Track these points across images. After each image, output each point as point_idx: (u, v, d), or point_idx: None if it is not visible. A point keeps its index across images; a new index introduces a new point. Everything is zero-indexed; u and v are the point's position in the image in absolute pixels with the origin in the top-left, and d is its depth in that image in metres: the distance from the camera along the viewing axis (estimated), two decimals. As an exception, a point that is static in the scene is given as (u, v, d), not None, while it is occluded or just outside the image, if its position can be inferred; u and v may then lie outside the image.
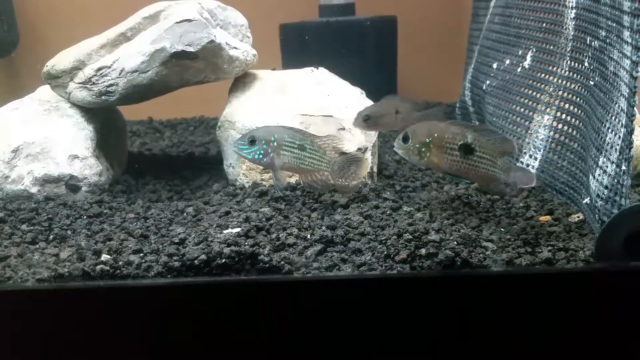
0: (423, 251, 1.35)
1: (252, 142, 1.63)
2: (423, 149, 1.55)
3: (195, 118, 3.01)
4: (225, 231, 1.47)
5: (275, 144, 1.62)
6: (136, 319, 1.27)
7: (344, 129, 1.89)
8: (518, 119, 1.97)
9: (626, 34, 1.32)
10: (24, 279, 1.32)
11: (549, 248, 1.40)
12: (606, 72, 1.49)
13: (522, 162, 1.88)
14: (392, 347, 1.30)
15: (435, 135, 1.53)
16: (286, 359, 1.31)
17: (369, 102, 2.05)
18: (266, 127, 1.70)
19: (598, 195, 1.44)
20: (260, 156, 1.63)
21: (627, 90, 1.33)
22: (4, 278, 1.33)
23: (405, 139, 1.58)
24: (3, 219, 1.66)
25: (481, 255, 1.37)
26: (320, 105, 1.94)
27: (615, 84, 1.41)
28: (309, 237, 1.47)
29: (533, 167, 1.84)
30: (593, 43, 1.60)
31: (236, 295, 1.28)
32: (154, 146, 2.57)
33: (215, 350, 1.28)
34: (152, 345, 1.29)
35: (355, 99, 2.03)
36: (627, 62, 1.33)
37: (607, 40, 1.47)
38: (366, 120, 1.78)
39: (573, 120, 1.74)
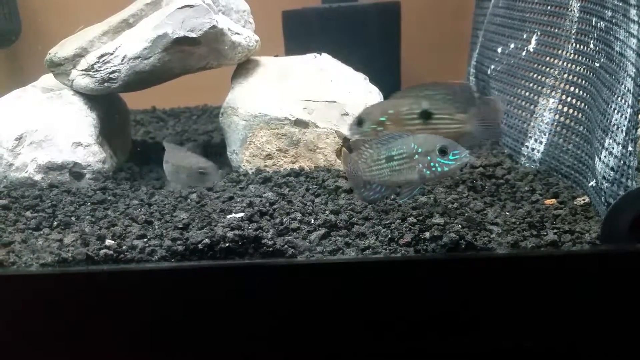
0: (427, 234, 1.34)
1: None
2: (380, 129, 1.47)
3: (199, 107, 3.00)
4: (228, 216, 1.47)
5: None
6: (139, 302, 1.27)
7: (347, 114, 1.88)
8: (523, 102, 1.95)
9: (633, 12, 1.31)
10: (28, 264, 1.32)
11: (555, 231, 1.39)
12: (612, 52, 1.47)
13: (527, 146, 1.87)
14: (397, 330, 1.29)
15: (391, 111, 1.46)
16: (290, 343, 1.31)
17: (373, 88, 2.04)
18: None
19: (604, 177, 1.43)
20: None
21: (634, 70, 1.32)
22: (8, 263, 1.33)
23: (360, 123, 1.50)
24: (7, 206, 1.66)
25: (486, 238, 1.36)
26: (323, 90, 1.93)
27: (622, 64, 1.40)
28: (312, 221, 1.46)
29: (539, 150, 1.82)
30: (599, 24, 1.58)
31: (240, 278, 1.28)
32: (158, 135, 2.56)
33: (218, 333, 1.29)
34: (156, 328, 1.29)
35: (359, 85, 2.02)
36: (633, 41, 1.31)
37: (613, 20, 1.45)
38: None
39: (578, 103, 1.72)
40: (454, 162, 1.36)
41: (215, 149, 2.19)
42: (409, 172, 1.39)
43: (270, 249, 1.33)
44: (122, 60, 1.85)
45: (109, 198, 1.71)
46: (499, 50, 2.19)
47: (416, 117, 1.45)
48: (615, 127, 1.40)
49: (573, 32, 1.76)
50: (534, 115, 1.87)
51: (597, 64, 1.59)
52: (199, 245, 1.32)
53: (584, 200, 1.55)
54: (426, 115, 1.44)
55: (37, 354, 1.32)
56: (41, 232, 1.51)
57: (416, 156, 1.38)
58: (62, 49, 1.93)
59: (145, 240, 1.39)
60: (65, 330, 1.30)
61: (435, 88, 1.50)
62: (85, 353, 1.31)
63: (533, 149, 1.84)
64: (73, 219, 1.58)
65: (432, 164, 1.36)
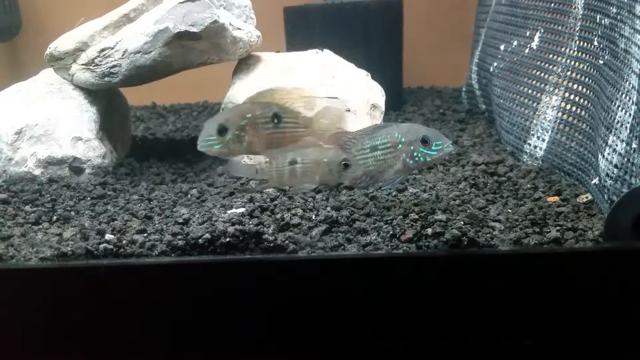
0: (429, 231, 1.34)
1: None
2: (242, 134, 1.40)
3: (199, 103, 3.00)
4: (229, 211, 1.46)
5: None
6: (139, 297, 1.26)
7: (349, 110, 1.87)
8: (526, 100, 1.94)
9: (638, 8, 1.30)
10: (27, 257, 1.31)
11: (557, 228, 1.38)
12: (616, 49, 1.46)
13: (530, 144, 1.86)
14: (398, 326, 1.29)
15: (249, 115, 1.41)
16: (290, 338, 1.30)
17: (375, 84, 2.03)
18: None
19: (607, 175, 1.42)
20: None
21: (639, 67, 1.31)
22: (7, 257, 1.32)
23: (223, 131, 1.39)
24: (7, 200, 1.65)
25: (488, 235, 1.35)
26: (325, 87, 1.92)
27: (626, 61, 1.39)
28: (313, 217, 1.45)
29: (541, 148, 1.81)
30: (603, 21, 1.57)
31: (241, 273, 1.27)
32: (158, 131, 2.56)
33: (218, 328, 1.28)
34: (155, 323, 1.28)
35: (361, 81, 2.01)
36: (639, 38, 1.30)
37: (618, 17, 1.44)
38: None
39: (582, 100, 1.71)
40: (436, 152, 1.39)
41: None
42: (393, 162, 1.41)
43: (271, 245, 1.32)
44: (122, 55, 1.84)
45: (108, 193, 1.70)
46: (502, 47, 2.18)
47: (269, 121, 1.42)
48: (619, 124, 1.39)
49: (577, 29, 1.75)
50: (537, 113, 1.86)
51: (601, 61, 1.58)
52: (200, 240, 1.31)
53: (586, 197, 1.54)
54: (277, 118, 1.43)
55: (35, 348, 1.31)
56: (40, 227, 1.50)
57: (399, 146, 1.39)
58: (63, 43, 1.92)
59: (145, 235, 1.38)
60: (64, 325, 1.29)
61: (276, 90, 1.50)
62: (84, 347, 1.30)
63: (535, 147, 1.83)
64: (73, 213, 1.57)
65: (415, 154, 1.39)
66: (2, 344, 1.30)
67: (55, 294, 1.28)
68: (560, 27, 1.84)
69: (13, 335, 1.29)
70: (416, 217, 1.40)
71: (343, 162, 1.38)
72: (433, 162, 1.45)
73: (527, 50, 2.01)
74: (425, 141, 1.39)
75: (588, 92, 1.68)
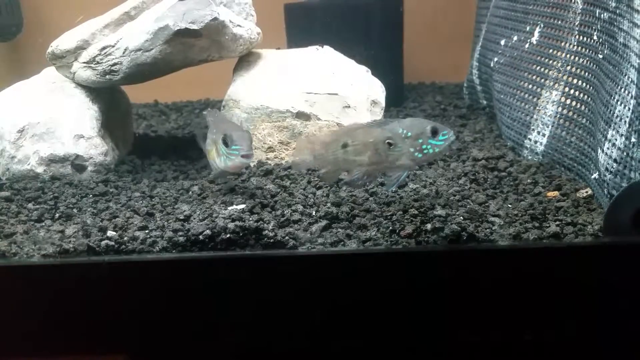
0: (429, 226, 1.34)
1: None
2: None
3: (201, 101, 3.00)
4: (230, 207, 1.47)
5: None
6: (140, 292, 1.27)
7: (349, 106, 1.87)
8: (526, 95, 1.94)
9: (637, 2, 1.30)
10: (30, 254, 1.32)
11: (557, 223, 1.38)
12: (615, 44, 1.46)
13: (530, 139, 1.86)
14: (398, 322, 1.29)
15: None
16: (290, 334, 1.31)
17: (375, 81, 2.04)
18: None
19: (607, 169, 1.42)
20: None
21: (638, 61, 1.31)
22: (10, 254, 1.33)
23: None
24: (9, 198, 1.66)
25: (488, 230, 1.35)
26: (325, 83, 1.92)
27: (625, 55, 1.39)
28: (314, 213, 1.46)
29: (541, 143, 1.82)
30: (602, 15, 1.57)
31: (240, 269, 1.28)
32: (160, 128, 2.57)
33: (218, 324, 1.29)
34: (156, 318, 1.29)
35: (361, 77, 2.01)
36: (637, 32, 1.30)
37: (617, 11, 1.44)
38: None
39: (582, 95, 1.71)
40: (443, 142, 1.40)
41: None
42: (398, 158, 1.41)
43: (271, 241, 1.32)
44: (123, 53, 1.84)
45: (110, 190, 1.71)
46: (502, 42, 2.18)
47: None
48: (619, 118, 1.39)
49: (576, 24, 1.75)
50: (537, 108, 1.86)
51: (601, 56, 1.58)
52: (200, 237, 1.31)
53: (586, 192, 1.54)
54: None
55: (37, 343, 1.32)
56: (43, 224, 1.51)
57: (405, 141, 1.40)
58: (64, 42, 1.93)
59: (146, 231, 1.39)
60: (64, 320, 1.30)
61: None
62: (85, 343, 1.31)
63: (536, 142, 1.83)
64: (75, 210, 1.58)
65: (424, 147, 1.40)
66: (4, 341, 1.31)
67: (57, 290, 1.29)
68: (560, 22, 1.84)
69: (15, 332, 1.30)
70: (416, 212, 1.41)
71: (387, 141, 1.39)
72: (441, 153, 1.46)
73: (527, 45, 2.01)
74: (434, 132, 1.39)
75: (588, 86, 1.68)
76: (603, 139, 1.46)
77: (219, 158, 1.53)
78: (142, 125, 2.59)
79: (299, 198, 1.55)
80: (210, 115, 1.74)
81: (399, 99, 2.59)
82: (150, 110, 2.85)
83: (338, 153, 1.44)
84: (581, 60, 1.73)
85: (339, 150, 1.44)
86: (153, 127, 2.58)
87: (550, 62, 1.86)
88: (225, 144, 1.49)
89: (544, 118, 1.83)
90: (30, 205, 1.62)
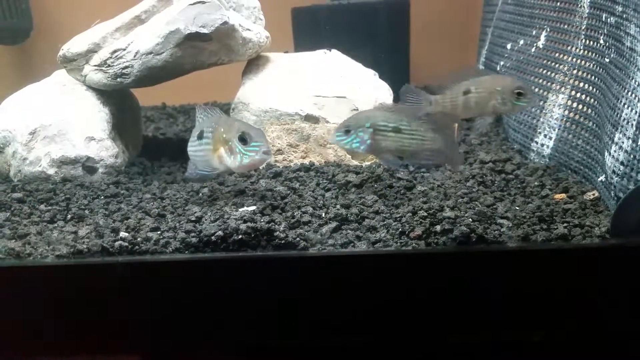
0: (438, 228, 1.35)
1: (347, 131, 1.56)
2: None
3: (209, 104, 3.02)
4: (241, 209, 1.48)
5: (370, 130, 1.54)
6: (153, 293, 1.29)
7: (357, 109, 1.89)
8: (532, 98, 1.95)
9: (644, 7, 1.31)
10: (44, 255, 1.34)
11: (565, 225, 1.39)
12: (622, 48, 1.48)
13: (537, 142, 1.87)
14: (407, 323, 1.31)
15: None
16: (302, 335, 1.32)
17: (382, 84, 2.05)
18: (360, 113, 1.63)
19: (614, 172, 1.44)
20: (358, 144, 1.56)
21: (644, 65, 1.32)
22: (24, 254, 1.35)
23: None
24: (22, 199, 1.68)
25: (496, 231, 1.37)
26: (333, 86, 1.94)
27: (632, 59, 1.40)
28: (323, 215, 1.48)
29: (548, 146, 1.83)
30: (609, 19, 1.59)
31: (253, 270, 1.29)
32: (168, 131, 2.59)
33: (231, 324, 1.30)
34: (169, 319, 1.31)
35: (368, 80, 2.03)
36: (644, 36, 1.32)
37: (624, 16, 1.46)
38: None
39: (588, 98, 1.72)
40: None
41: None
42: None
43: (283, 242, 1.34)
44: (134, 56, 1.87)
45: (122, 192, 1.73)
46: (508, 46, 2.20)
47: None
48: (626, 121, 1.41)
49: (583, 27, 1.77)
50: (544, 111, 1.88)
51: (607, 60, 1.60)
52: (212, 238, 1.33)
53: (593, 194, 1.56)
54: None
55: (51, 343, 1.34)
56: (56, 225, 1.53)
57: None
58: (75, 45, 1.95)
59: (159, 232, 1.41)
60: (78, 321, 1.32)
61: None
62: (101, 343, 1.33)
63: (542, 145, 1.85)
64: (87, 212, 1.60)
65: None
66: (20, 340, 1.33)
67: (71, 290, 1.31)
68: (566, 26, 1.86)
69: (30, 332, 1.32)
70: (425, 214, 1.42)
71: (517, 90, 1.41)
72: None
73: (533, 49, 2.02)
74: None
75: (594, 90, 1.69)
76: (610, 142, 1.47)
77: (231, 156, 1.49)
78: (150, 128, 2.61)
79: (308, 200, 1.57)
80: (201, 111, 1.64)
81: (406, 102, 2.60)
82: (158, 113, 2.87)
83: (459, 100, 1.45)
84: (588, 64, 1.74)
85: (460, 96, 1.45)
86: (161, 129, 2.61)
87: (557, 65, 1.87)
88: (244, 141, 1.46)
89: (550, 121, 1.85)
90: (42, 207, 1.64)
